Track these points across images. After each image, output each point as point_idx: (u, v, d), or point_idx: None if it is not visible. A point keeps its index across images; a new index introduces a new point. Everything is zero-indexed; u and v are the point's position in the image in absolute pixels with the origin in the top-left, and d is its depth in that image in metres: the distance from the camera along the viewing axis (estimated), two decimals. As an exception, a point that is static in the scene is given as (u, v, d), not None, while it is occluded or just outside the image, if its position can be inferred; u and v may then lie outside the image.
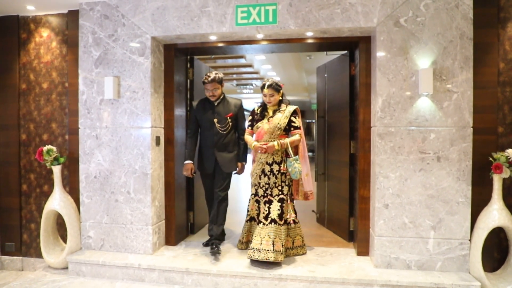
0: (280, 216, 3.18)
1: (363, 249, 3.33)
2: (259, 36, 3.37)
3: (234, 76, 10.13)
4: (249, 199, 3.49)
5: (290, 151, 3.22)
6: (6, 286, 3.19)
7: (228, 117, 3.45)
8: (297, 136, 3.28)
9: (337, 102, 4.02)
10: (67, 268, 3.41)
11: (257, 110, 3.45)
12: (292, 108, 3.34)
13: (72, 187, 3.68)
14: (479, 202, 2.99)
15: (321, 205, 4.53)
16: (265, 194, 3.30)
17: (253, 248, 3.10)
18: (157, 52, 3.48)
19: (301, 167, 3.22)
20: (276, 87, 3.32)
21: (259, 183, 3.34)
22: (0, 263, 3.95)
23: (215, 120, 3.44)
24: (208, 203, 3.71)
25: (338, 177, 3.98)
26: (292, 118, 3.30)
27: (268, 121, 3.31)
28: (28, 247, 3.93)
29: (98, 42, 3.42)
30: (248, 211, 3.50)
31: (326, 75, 4.33)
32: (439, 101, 2.95)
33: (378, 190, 3.05)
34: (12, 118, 3.86)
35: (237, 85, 11.81)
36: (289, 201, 3.27)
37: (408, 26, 2.97)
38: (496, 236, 3.08)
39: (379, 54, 3.02)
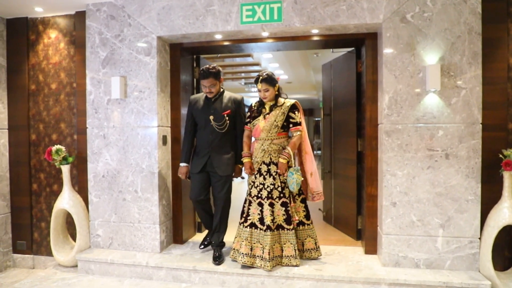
0: (288, 220, 3.02)
1: (371, 248, 3.30)
2: (265, 34, 3.36)
3: (243, 75, 10.13)
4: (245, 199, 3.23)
5: (293, 160, 3.02)
6: (18, 283, 3.24)
7: (226, 115, 3.16)
8: (298, 134, 3.05)
9: (343, 99, 4.00)
10: (76, 266, 3.46)
11: (254, 105, 3.21)
12: (290, 102, 3.09)
13: (81, 186, 3.72)
14: (488, 200, 2.94)
15: (328, 203, 4.51)
16: (259, 195, 3.07)
17: (266, 258, 2.94)
18: (163, 52, 3.50)
19: (301, 179, 2.98)
20: (270, 81, 3.03)
21: (254, 182, 3.11)
22: (12, 261, 4.03)
23: (211, 117, 3.16)
24: (194, 203, 3.38)
25: (345, 175, 3.96)
26: (291, 113, 3.06)
27: (265, 118, 3.07)
28: (38, 246, 3.99)
29: (105, 42, 3.45)
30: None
31: (332, 72, 4.31)
32: (447, 97, 2.91)
33: (385, 188, 3.03)
34: (22, 119, 3.93)
35: (245, 83, 11.82)
36: (292, 203, 3.06)
37: (415, 21, 2.93)
38: (507, 234, 3.03)
39: (386, 50, 2.99)
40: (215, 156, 3.18)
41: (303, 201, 3.19)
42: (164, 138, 3.53)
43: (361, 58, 3.55)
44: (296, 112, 3.09)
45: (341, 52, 4.11)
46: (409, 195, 2.99)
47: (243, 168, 3.24)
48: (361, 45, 3.51)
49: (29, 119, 3.93)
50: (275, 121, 3.04)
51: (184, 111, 3.73)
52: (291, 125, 3.08)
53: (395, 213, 3.01)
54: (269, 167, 3.07)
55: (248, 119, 3.21)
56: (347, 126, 3.88)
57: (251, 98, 15.61)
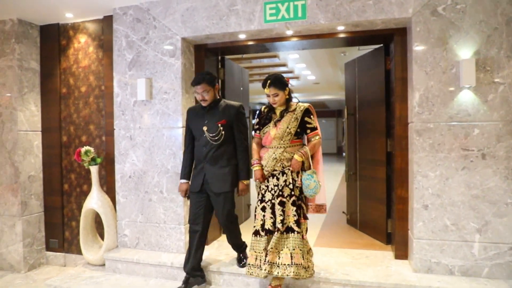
0: (298, 222, 2.70)
1: (401, 252, 3.16)
2: (289, 32, 3.31)
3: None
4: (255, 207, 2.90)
5: (310, 160, 2.77)
6: (49, 280, 3.35)
7: (220, 125, 2.88)
8: (317, 138, 2.81)
9: (370, 98, 3.86)
10: (104, 265, 3.52)
11: (264, 111, 2.94)
12: (303, 107, 2.81)
13: (109, 187, 3.80)
14: (531, 203, 2.74)
15: (352, 206, 4.36)
16: (272, 198, 2.77)
17: (270, 262, 2.66)
18: (187, 53, 3.51)
19: (320, 182, 2.73)
20: (279, 85, 2.75)
21: (267, 187, 2.81)
22: (45, 258, 4.17)
23: (205, 128, 2.90)
24: (190, 227, 2.97)
25: (373, 176, 3.82)
26: (307, 118, 2.79)
27: (276, 126, 2.79)
28: (70, 244, 4.11)
29: (131, 45, 3.51)
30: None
31: (356, 70, 4.17)
32: (483, 93, 2.73)
33: (416, 190, 2.88)
34: (54, 121, 4.06)
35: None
36: (302, 219, 2.75)
37: (447, 14, 2.78)
38: (552, 240, 2.80)
39: (416, 46, 2.85)
40: (209, 171, 2.89)
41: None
42: (189, 139, 3.54)
43: (390, 55, 3.42)
44: (312, 117, 2.83)
45: (369, 49, 3.98)
46: (442, 197, 2.83)
47: (254, 180, 2.92)
48: (390, 41, 3.38)
49: (60, 122, 4.06)
50: (287, 127, 2.77)
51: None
52: (308, 131, 2.82)
53: (427, 217, 2.86)
54: (283, 170, 2.77)
55: (258, 126, 2.95)
56: (375, 126, 3.74)
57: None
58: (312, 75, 9.95)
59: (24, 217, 3.94)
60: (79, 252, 4.01)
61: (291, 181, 2.75)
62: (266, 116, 2.90)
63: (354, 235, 4.05)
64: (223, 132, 2.88)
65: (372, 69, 3.80)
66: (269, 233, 2.75)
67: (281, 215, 2.71)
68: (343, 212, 4.64)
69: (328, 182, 8.86)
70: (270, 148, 2.83)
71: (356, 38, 3.36)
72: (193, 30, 3.34)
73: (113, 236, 3.61)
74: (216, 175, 2.89)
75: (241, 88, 4.67)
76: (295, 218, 2.70)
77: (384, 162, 3.57)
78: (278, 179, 2.78)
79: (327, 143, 20.25)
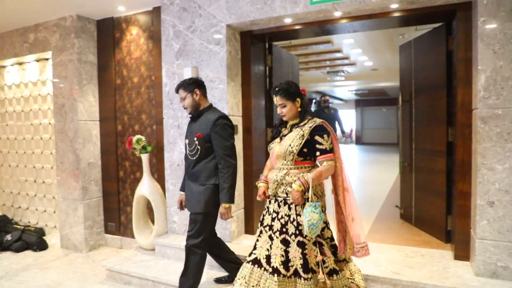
0: (305, 267, 2.23)
1: (462, 253, 2.87)
2: (337, 14, 3.10)
3: (327, 63, 9.78)
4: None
5: (311, 192, 2.20)
6: (105, 261, 3.56)
7: (196, 138, 2.60)
8: (329, 163, 2.27)
9: (429, 83, 3.51)
10: (154, 249, 3.65)
11: (277, 123, 2.57)
12: (313, 123, 2.32)
13: (160, 174, 3.92)
14: None
15: (407, 200, 4.05)
16: (271, 225, 2.38)
17: None
18: (233, 40, 3.46)
19: (318, 219, 2.13)
20: (287, 94, 2.34)
21: (268, 208, 2.45)
22: (104, 240, 4.45)
23: (186, 141, 2.70)
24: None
25: (430, 168, 3.49)
26: (317, 137, 2.28)
27: (280, 141, 2.40)
28: (125, 228, 4.34)
29: (178, 34, 3.54)
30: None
31: (413, 53, 3.82)
32: None
33: (480, 185, 2.58)
34: (110, 111, 4.28)
35: (327, 72, 11.40)
36: (315, 246, 2.29)
37: (522, -18, 2.41)
38: None
39: (482, 21, 2.51)
40: (188, 188, 2.70)
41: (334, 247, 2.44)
42: (235, 128, 3.51)
43: (452, 34, 3.07)
44: (325, 136, 2.29)
45: (427, 29, 3.61)
46: (511, 194, 2.50)
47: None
48: (451, 18, 3.03)
49: (115, 111, 4.26)
50: (290, 145, 2.31)
51: (255, 100, 3.67)
52: (317, 153, 2.30)
53: (492, 215, 2.55)
54: (286, 199, 2.35)
55: (270, 140, 2.58)
56: (434, 113, 3.41)
57: (336, 87, 15.04)
58: (369, 61, 9.44)
59: (85, 201, 4.22)
60: (133, 236, 4.20)
61: (295, 217, 2.29)
62: (277, 130, 2.53)
63: (408, 231, 3.77)
64: (198, 147, 2.60)
65: (431, 51, 3.45)
66: (256, 264, 2.38)
67: (282, 255, 2.28)
68: (396, 206, 4.35)
69: (385, 174, 8.43)
70: (275, 169, 2.44)
71: (412, 16, 3.05)
72: (238, 16, 3.28)
73: (162, 222, 3.72)
74: (192, 192, 2.65)
75: (291, 76, 4.53)
76: (301, 261, 2.23)
77: (444, 152, 3.25)
78: (279, 206, 2.37)
79: (388, 132, 19.34)
